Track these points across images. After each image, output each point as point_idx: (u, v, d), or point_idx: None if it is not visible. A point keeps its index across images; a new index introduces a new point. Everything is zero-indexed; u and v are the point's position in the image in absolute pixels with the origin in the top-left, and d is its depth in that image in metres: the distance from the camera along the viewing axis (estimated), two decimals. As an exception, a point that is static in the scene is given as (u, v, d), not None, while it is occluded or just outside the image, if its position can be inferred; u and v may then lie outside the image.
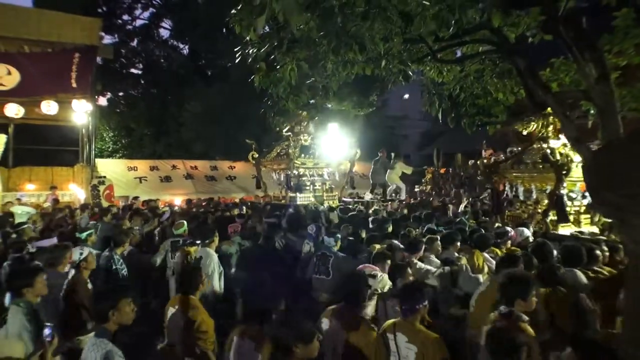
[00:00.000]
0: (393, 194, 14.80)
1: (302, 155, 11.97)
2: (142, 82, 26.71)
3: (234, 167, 20.51)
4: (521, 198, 8.99)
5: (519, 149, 9.43)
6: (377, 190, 15.42)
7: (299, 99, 5.41)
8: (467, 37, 4.45)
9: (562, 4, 3.69)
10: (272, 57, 4.73)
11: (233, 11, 4.54)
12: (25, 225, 7.10)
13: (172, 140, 22.90)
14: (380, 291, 4.31)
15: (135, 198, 13.03)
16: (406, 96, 41.96)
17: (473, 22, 3.81)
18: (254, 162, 12.95)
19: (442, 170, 18.96)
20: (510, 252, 5.28)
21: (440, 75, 6.29)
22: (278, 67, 4.74)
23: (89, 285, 4.60)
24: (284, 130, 12.18)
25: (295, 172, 12.01)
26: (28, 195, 14.24)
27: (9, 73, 12.31)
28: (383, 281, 4.35)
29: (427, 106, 6.44)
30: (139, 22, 26.83)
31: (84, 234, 6.12)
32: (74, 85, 12.85)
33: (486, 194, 14.80)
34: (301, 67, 4.36)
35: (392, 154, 15.41)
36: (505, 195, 9.59)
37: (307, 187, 12.31)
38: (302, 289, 5.53)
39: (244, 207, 11.11)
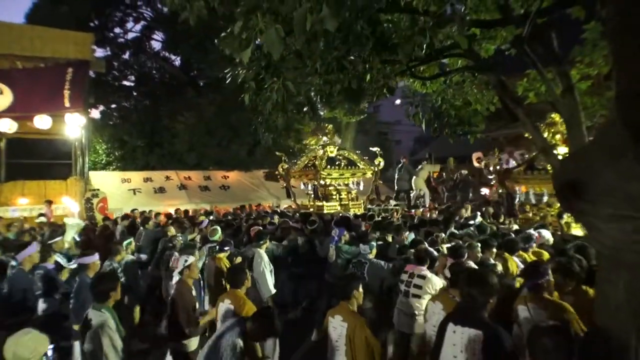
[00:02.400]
0: (417, 201, 14.99)
1: (329, 166, 12.54)
2: (135, 94, 26.77)
3: (228, 177, 20.71)
4: (533, 202, 9.24)
5: (529, 155, 9.75)
6: (401, 196, 15.80)
7: (286, 116, 5.64)
8: (440, 56, 4.70)
9: (527, 23, 3.94)
10: (261, 76, 4.97)
11: (222, 34, 4.77)
12: (58, 239, 7.47)
13: (166, 152, 22.98)
14: (430, 290, 4.62)
15: (133, 210, 13.16)
16: (398, 102, 42.28)
17: (445, 42, 4.05)
18: (283, 173, 13.72)
19: (435, 174, 19.22)
20: (537, 255, 5.60)
21: (424, 86, 6.56)
22: (266, 86, 4.96)
23: (193, 292, 4.99)
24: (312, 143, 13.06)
25: (322, 182, 12.77)
26: (20, 209, 14.25)
27: (1, 92, 12.31)
28: (432, 281, 4.67)
29: (411, 116, 6.71)
30: (130, 35, 26.98)
31: (125, 243, 6.81)
32: (67, 104, 12.90)
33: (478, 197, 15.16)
34: (287, 86, 4.59)
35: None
36: (517, 199, 9.90)
37: (334, 196, 13.03)
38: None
39: (275, 215, 11.52)
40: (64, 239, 7.95)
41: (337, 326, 3.82)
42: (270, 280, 6.42)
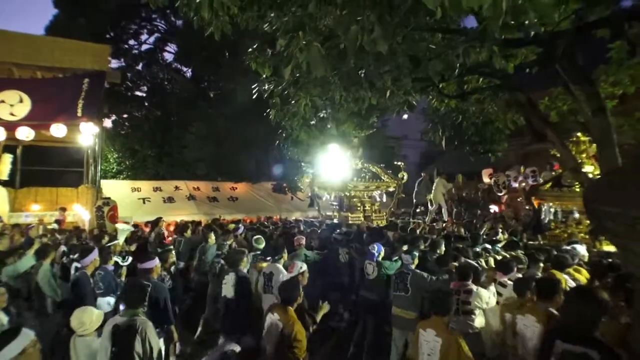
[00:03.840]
0: (436, 215, 15.03)
1: (354, 178, 13.00)
2: (146, 104, 27.05)
3: (236, 189, 20.73)
4: (560, 218, 9.19)
5: (555, 172, 9.73)
6: (418, 210, 15.94)
7: (310, 131, 5.69)
8: (468, 74, 4.73)
9: (559, 42, 3.96)
10: (286, 92, 5.03)
11: (249, 50, 4.86)
12: (115, 242, 8.07)
13: (175, 162, 23.13)
14: (480, 305, 4.65)
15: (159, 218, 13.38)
16: (405, 117, 42.31)
17: (476, 62, 4.08)
18: (308, 183, 14.25)
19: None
20: (576, 271, 5.51)
21: (443, 104, 6.59)
22: (292, 102, 5.02)
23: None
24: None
25: (347, 193, 13.24)
26: (33, 215, 14.40)
27: (21, 101, 12.47)
28: (480, 295, 4.68)
29: (430, 134, 6.73)
30: (144, 47, 27.37)
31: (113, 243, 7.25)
32: (80, 114, 13.02)
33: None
34: (315, 102, 4.63)
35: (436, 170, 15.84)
36: (543, 216, 9.85)
37: (358, 208, 13.41)
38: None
39: (301, 225, 11.78)
40: (118, 242, 8.41)
41: (429, 340, 3.82)
42: None
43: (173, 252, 7.01)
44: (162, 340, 4.70)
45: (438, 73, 3.79)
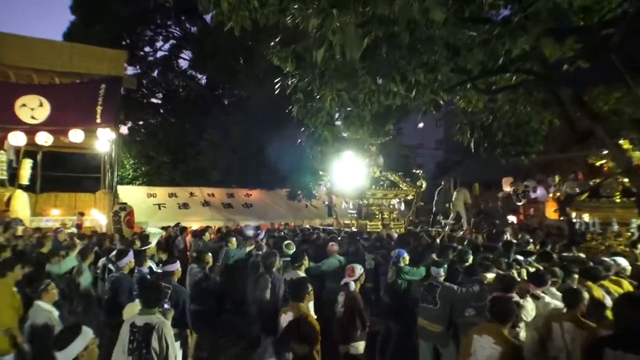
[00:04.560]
0: (456, 224, 14.80)
1: (372, 186, 12.94)
2: (162, 111, 27.18)
3: (250, 195, 20.61)
4: (597, 230, 8.84)
5: (594, 181, 9.38)
6: (438, 218, 15.76)
7: (334, 129, 5.46)
8: (512, 67, 4.44)
9: (611, 31, 3.67)
10: (310, 87, 4.81)
11: (271, 43, 4.65)
12: (149, 246, 8.40)
13: (190, 168, 23.16)
14: (526, 318, 4.52)
15: (177, 224, 13.55)
16: (421, 125, 42.16)
17: (522, 50, 3.79)
18: (326, 191, 14.53)
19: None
20: (617, 283, 5.37)
21: (470, 104, 6.30)
22: (318, 97, 4.80)
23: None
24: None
25: (365, 201, 13.23)
26: (53, 220, 14.51)
27: (41, 104, 12.56)
28: (526, 308, 4.54)
29: (458, 135, 6.44)
30: (159, 54, 27.52)
31: None
32: (99, 120, 13.07)
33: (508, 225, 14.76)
34: (341, 96, 4.41)
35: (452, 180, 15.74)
36: (578, 227, 9.52)
37: (376, 216, 13.32)
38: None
39: (320, 233, 11.65)
40: (152, 245, 8.73)
41: (486, 346, 3.68)
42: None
43: (210, 254, 7.26)
44: (178, 343, 4.71)
45: (479, 63, 3.54)
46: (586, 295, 4.46)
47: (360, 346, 5.02)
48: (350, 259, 7.40)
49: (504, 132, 6.12)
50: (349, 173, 12.81)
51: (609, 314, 4.54)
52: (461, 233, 12.72)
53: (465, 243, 8.68)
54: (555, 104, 4.66)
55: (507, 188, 17.29)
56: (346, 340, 5.01)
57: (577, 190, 12.64)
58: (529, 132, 6.08)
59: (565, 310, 4.21)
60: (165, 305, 4.38)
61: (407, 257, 6.41)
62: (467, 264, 6.21)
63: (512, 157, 6.24)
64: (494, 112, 6.10)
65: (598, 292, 4.91)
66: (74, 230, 11.85)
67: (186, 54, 27.90)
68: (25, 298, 5.12)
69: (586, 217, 10.51)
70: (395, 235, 10.54)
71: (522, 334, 4.57)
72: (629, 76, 3.44)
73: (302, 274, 6.15)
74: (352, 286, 5.15)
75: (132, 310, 4.18)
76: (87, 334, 2.88)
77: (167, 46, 27.92)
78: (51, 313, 4.57)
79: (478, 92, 5.39)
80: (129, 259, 6.19)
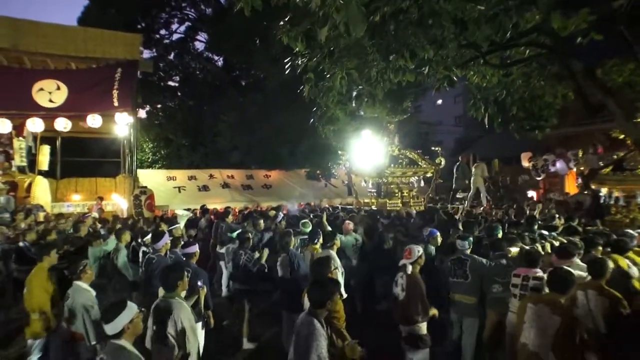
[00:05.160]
0: (474, 201, 14.78)
1: (391, 164, 13.01)
2: (179, 94, 27.29)
3: (269, 176, 20.71)
4: (622, 203, 8.83)
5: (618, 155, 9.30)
6: (458, 195, 15.79)
7: (346, 107, 5.45)
8: (521, 40, 4.37)
9: (619, 3, 3.58)
10: (320, 67, 4.80)
11: (281, 23, 4.62)
12: (176, 226, 8.45)
13: (209, 150, 23.28)
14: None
15: (203, 206, 13.77)
16: (439, 102, 41.59)
17: (529, 25, 3.72)
18: (346, 171, 14.57)
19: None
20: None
21: (484, 79, 6.22)
22: (328, 76, 4.78)
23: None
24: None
25: (384, 180, 13.33)
26: (74, 205, 14.80)
27: (58, 88, 12.72)
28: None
29: (472, 111, 6.38)
30: (175, 36, 27.51)
31: (234, 233, 7.60)
32: (116, 104, 13.19)
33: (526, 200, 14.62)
34: (351, 75, 4.39)
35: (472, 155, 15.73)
36: (603, 201, 9.49)
37: (396, 194, 13.42)
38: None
39: (339, 212, 11.97)
40: (179, 226, 8.83)
41: (543, 316, 3.75)
42: (341, 280, 6.32)
43: (250, 235, 7.31)
44: (200, 324, 4.78)
45: (487, 38, 3.49)
46: (611, 264, 4.52)
47: (423, 327, 4.94)
48: (369, 237, 7.47)
49: (517, 107, 6.04)
50: (367, 152, 12.81)
51: (636, 283, 4.77)
52: (481, 209, 12.68)
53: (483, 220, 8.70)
54: (568, 77, 4.56)
55: (526, 163, 17.01)
56: (408, 322, 4.93)
57: (601, 163, 12.45)
58: (542, 106, 5.98)
59: (589, 279, 4.29)
60: (199, 283, 4.42)
61: (438, 237, 6.40)
62: (495, 238, 6.29)
63: (526, 131, 6.16)
64: (508, 86, 6.01)
65: (623, 263, 5.00)
66: (96, 215, 12.05)
67: (202, 36, 27.87)
68: (61, 280, 5.36)
69: (605, 190, 10.38)
70: (414, 213, 10.59)
71: None
72: (638, 47, 3.35)
73: (333, 253, 6.30)
74: (410, 269, 5.00)
75: None
76: (132, 308, 3.10)
77: (182, 28, 27.90)
78: (89, 292, 4.79)
79: (491, 67, 5.31)
80: (165, 240, 6.32)
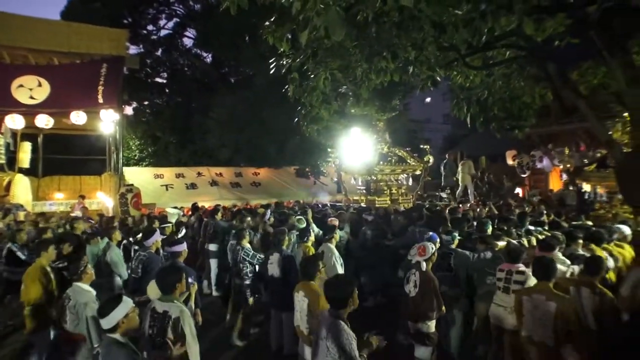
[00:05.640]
0: (463, 197, 14.96)
1: (380, 162, 13.08)
2: (167, 90, 27.10)
3: (258, 174, 20.65)
4: (604, 199, 9.15)
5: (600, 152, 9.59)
6: (446, 192, 15.96)
7: (330, 107, 5.51)
8: (498, 43, 4.47)
9: (592, 8, 3.69)
10: (305, 67, 4.85)
11: (266, 23, 4.66)
12: (168, 225, 8.55)
13: (197, 148, 23.13)
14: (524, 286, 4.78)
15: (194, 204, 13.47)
16: (428, 100, 41.85)
17: (505, 29, 3.83)
18: (335, 168, 14.74)
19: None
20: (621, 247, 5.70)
21: (467, 80, 6.34)
22: (312, 76, 4.84)
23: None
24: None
25: (373, 177, 13.51)
26: (57, 204, 14.54)
27: (40, 85, 12.45)
28: (532, 277, 4.70)
29: (455, 110, 6.48)
30: (163, 32, 27.30)
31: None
32: (101, 100, 12.95)
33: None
34: (334, 75, 4.45)
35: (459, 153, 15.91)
36: (587, 197, 9.79)
37: (385, 191, 13.56)
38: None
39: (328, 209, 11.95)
40: (170, 224, 8.85)
41: (539, 305, 3.93)
42: (341, 272, 6.42)
43: (248, 231, 7.33)
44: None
45: (464, 41, 3.56)
46: (610, 264, 4.74)
47: (432, 324, 5.05)
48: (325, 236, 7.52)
49: (498, 107, 6.17)
50: (357, 149, 12.88)
51: (611, 275, 5.07)
52: (468, 205, 12.85)
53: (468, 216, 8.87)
54: (545, 78, 4.69)
55: (510, 161, 17.27)
56: (419, 319, 5.01)
57: (586, 161, 12.72)
58: (521, 106, 6.13)
59: (583, 276, 4.50)
60: (190, 279, 4.42)
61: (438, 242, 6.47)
62: (485, 233, 6.49)
63: (506, 131, 6.31)
64: (489, 87, 6.13)
65: (600, 254, 5.17)
66: (78, 214, 11.90)
67: (190, 32, 27.68)
68: (60, 281, 5.39)
69: (588, 186, 10.66)
70: (401, 210, 10.72)
71: None
72: (607, 52, 3.47)
73: (332, 246, 6.46)
74: (424, 266, 5.06)
75: (155, 288, 4.17)
76: (127, 303, 3.19)
77: (170, 24, 27.65)
78: (90, 292, 4.75)
79: (471, 68, 5.42)
80: (155, 238, 6.34)
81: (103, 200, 14.62)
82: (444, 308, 5.08)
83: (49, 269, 5.49)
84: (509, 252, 5.19)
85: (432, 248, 5.19)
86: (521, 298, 4.12)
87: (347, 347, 3.04)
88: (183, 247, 5.67)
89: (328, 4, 2.61)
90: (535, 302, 3.98)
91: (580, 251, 5.35)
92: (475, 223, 7.77)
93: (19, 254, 7.04)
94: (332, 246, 6.47)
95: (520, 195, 17.30)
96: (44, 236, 7.39)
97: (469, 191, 14.91)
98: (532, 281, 4.76)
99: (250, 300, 6.43)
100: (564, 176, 15.64)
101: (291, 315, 4.79)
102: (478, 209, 11.04)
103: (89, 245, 7.04)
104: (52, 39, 13.28)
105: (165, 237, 6.84)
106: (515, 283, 4.88)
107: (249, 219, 8.86)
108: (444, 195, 15.55)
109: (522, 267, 4.89)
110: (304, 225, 7.54)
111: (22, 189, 13.61)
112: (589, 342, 3.84)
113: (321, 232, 7.97)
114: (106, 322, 3.10)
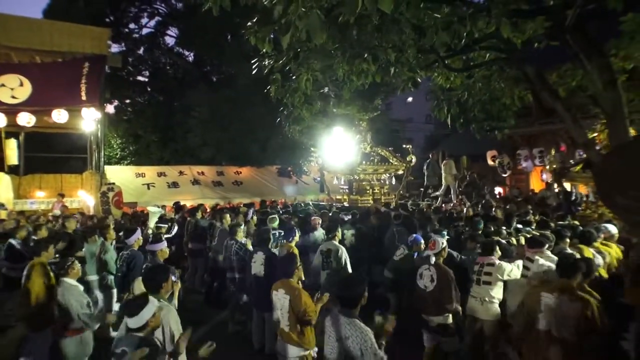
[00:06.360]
0: (446, 197, 15.12)
1: (363, 162, 13.19)
2: (149, 89, 26.84)
3: (240, 172, 20.60)
4: (591, 199, 9.39)
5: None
6: (429, 191, 16.09)
7: (312, 108, 5.57)
8: (477, 46, 4.57)
9: (569, 12, 3.79)
10: (287, 68, 4.90)
11: (249, 23, 4.68)
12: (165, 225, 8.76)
13: (179, 147, 22.99)
14: (503, 277, 5.04)
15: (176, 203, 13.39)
16: (410, 99, 42.13)
17: (483, 32, 3.93)
18: (318, 167, 14.87)
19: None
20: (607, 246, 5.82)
21: (448, 81, 6.44)
22: (293, 77, 4.88)
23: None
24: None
25: (356, 177, 13.59)
26: (38, 202, 14.41)
27: (21, 84, 12.35)
28: (502, 268, 5.04)
29: (435, 111, 6.59)
30: (145, 31, 27.02)
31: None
32: (84, 97, 12.91)
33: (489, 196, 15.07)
34: (316, 76, 4.50)
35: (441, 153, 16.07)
36: (574, 198, 10.02)
37: (367, 191, 13.67)
38: None
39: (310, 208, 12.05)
40: (149, 224, 8.90)
41: (561, 304, 3.87)
42: (349, 268, 6.53)
43: (243, 227, 7.42)
44: None
45: (444, 44, 3.64)
46: (599, 261, 4.89)
47: (450, 317, 5.12)
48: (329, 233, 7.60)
49: (478, 108, 6.29)
50: (339, 149, 12.95)
51: (601, 271, 5.20)
52: (451, 205, 13.05)
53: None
54: (525, 80, 4.81)
55: (491, 162, 17.54)
56: (440, 312, 5.06)
57: (572, 162, 12.99)
58: (501, 108, 6.25)
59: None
60: (173, 278, 4.49)
61: (422, 244, 6.34)
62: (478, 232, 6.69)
63: (486, 132, 6.43)
64: (469, 88, 6.25)
65: (588, 253, 5.33)
66: (57, 212, 11.78)
67: (172, 31, 27.41)
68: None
69: (568, 186, 10.90)
70: (383, 210, 10.79)
71: (496, 291, 5.12)
72: (583, 55, 3.58)
73: (337, 243, 6.51)
74: (434, 259, 5.15)
75: (141, 286, 4.29)
76: (153, 302, 3.26)
77: (152, 23, 27.48)
78: (77, 287, 4.94)
79: (450, 70, 5.53)
80: (137, 236, 6.44)
81: (84, 198, 14.51)
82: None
83: (49, 268, 5.50)
84: (482, 245, 5.43)
85: (443, 243, 5.29)
86: (540, 293, 4.04)
87: (369, 344, 3.13)
88: (162, 246, 5.72)
89: (310, 7, 2.65)
90: (559, 300, 3.90)
91: (569, 250, 5.42)
92: (462, 223, 8.01)
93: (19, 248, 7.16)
94: (337, 243, 6.52)
95: (502, 194, 17.58)
96: (40, 233, 7.52)
97: (451, 191, 15.10)
98: (504, 272, 5.04)
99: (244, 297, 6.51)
100: (544, 176, 15.91)
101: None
102: (462, 209, 11.22)
103: (87, 243, 7.11)
104: (34, 37, 13.20)
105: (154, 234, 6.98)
106: (485, 274, 5.13)
107: (227, 216, 8.88)
108: (437, 193, 15.66)
109: (493, 259, 5.11)
110: (277, 223, 7.65)
111: (3, 187, 13.56)
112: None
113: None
114: (134, 322, 3.13)
